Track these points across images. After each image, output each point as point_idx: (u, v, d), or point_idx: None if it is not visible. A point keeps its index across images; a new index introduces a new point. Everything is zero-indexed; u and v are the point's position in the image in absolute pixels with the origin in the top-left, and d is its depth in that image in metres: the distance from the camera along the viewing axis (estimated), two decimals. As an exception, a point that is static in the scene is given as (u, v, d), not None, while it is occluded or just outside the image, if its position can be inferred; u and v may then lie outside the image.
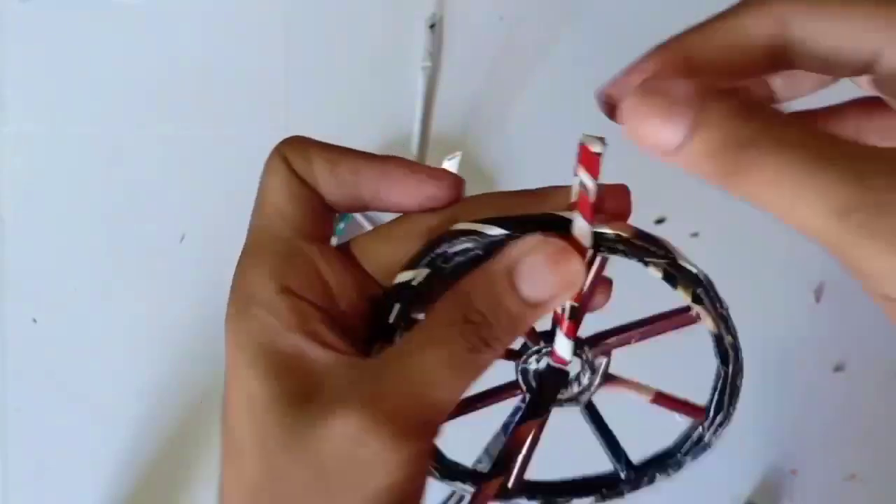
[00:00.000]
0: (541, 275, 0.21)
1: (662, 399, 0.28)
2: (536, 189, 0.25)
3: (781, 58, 0.21)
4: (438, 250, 0.23)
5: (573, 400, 0.26)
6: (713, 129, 0.19)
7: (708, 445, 0.28)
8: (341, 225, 0.53)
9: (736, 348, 0.26)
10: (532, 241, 0.22)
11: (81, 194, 0.53)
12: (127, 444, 0.54)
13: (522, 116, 0.54)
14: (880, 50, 0.20)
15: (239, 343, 0.22)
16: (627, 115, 0.19)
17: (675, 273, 0.24)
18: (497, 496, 0.25)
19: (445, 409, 0.21)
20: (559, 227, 0.22)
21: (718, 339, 0.26)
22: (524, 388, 0.25)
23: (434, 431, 0.21)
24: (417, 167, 0.24)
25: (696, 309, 0.25)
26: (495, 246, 0.22)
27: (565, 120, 0.54)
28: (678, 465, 0.28)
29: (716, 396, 0.28)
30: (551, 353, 0.24)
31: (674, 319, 0.26)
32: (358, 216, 0.53)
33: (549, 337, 0.24)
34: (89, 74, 0.53)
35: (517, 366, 0.25)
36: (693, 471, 0.58)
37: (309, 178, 0.24)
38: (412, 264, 0.23)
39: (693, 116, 0.19)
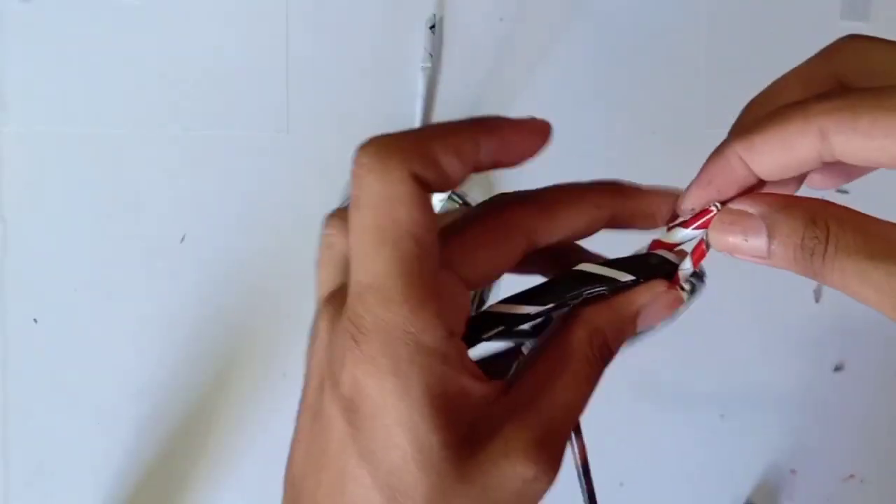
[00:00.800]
0: (657, 316, 0.26)
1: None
2: (626, 185, 0.27)
3: (829, 157, 0.23)
4: (574, 293, 0.25)
5: None
6: (786, 241, 0.24)
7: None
8: (341, 225, 0.53)
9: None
10: (657, 290, 0.26)
11: (82, 194, 0.53)
12: (127, 444, 0.54)
13: (522, 116, 0.54)
14: None
15: (409, 394, 0.21)
16: (717, 240, 0.25)
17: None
18: None
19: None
20: (668, 270, 0.26)
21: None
22: None
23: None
24: (515, 122, 0.26)
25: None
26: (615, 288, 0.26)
27: (565, 120, 0.54)
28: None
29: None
30: None
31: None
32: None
33: None
34: (90, 74, 0.53)
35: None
36: (693, 471, 0.59)
37: (441, 184, 0.23)
38: (538, 300, 0.25)
39: (767, 233, 0.24)
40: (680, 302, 0.27)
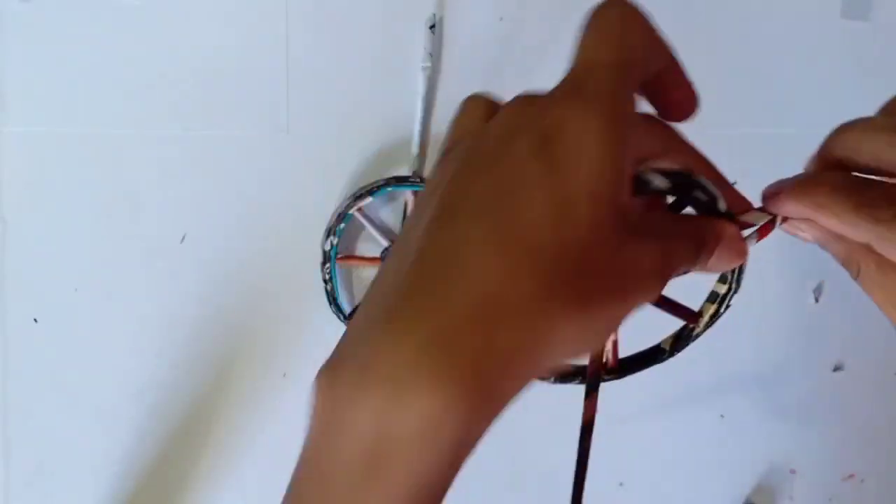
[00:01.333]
0: (727, 254, 0.32)
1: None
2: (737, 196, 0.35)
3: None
4: (694, 180, 0.32)
5: None
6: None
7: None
8: (342, 225, 0.53)
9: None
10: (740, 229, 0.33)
11: (82, 194, 0.53)
12: (127, 444, 0.54)
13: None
14: None
15: (609, 145, 0.25)
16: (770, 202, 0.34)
17: None
18: None
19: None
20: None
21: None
22: None
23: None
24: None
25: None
26: (710, 208, 0.32)
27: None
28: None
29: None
30: None
31: None
32: (358, 215, 0.53)
33: None
34: (90, 74, 0.53)
35: None
36: (692, 471, 0.59)
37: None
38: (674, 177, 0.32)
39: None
40: (743, 255, 0.33)
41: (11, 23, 0.53)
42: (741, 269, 0.43)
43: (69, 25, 0.53)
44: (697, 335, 0.44)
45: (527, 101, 0.29)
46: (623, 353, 0.41)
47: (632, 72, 0.29)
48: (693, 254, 0.31)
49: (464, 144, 0.28)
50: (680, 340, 0.44)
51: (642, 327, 0.35)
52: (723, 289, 0.43)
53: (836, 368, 0.55)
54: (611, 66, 0.28)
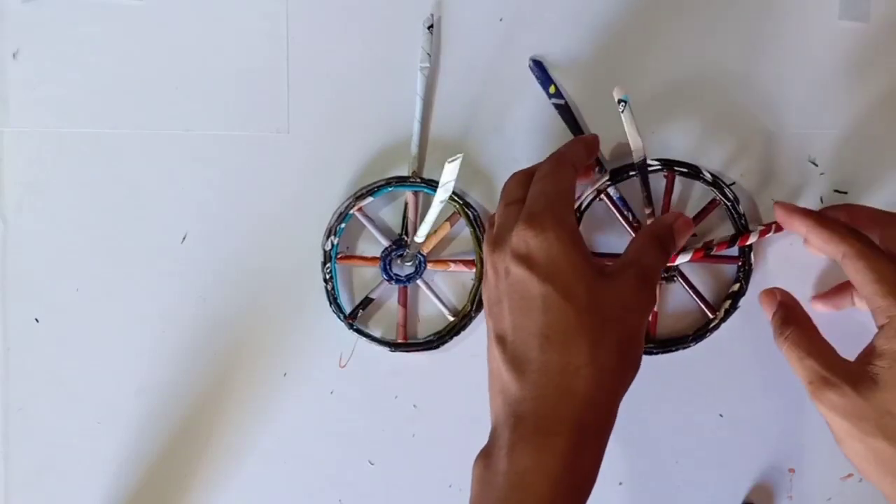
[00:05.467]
0: (681, 231, 0.47)
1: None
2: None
3: (837, 260, 0.46)
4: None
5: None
6: (777, 319, 0.48)
7: None
8: (342, 225, 0.53)
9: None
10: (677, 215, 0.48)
11: (83, 194, 0.53)
12: (128, 444, 0.54)
13: (522, 116, 0.54)
14: (874, 311, 0.44)
15: (568, 245, 0.42)
16: (761, 296, 0.51)
17: None
18: None
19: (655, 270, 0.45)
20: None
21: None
22: None
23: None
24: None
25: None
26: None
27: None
28: None
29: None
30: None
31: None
32: (358, 215, 0.53)
33: None
34: (90, 74, 0.53)
35: None
36: (692, 470, 0.59)
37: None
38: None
39: (774, 310, 0.49)
40: (686, 225, 0.47)
41: (12, 23, 0.53)
42: (749, 272, 0.53)
43: (69, 25, 0.53)
44: (715, 327, 0.53)
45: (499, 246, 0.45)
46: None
47: (568, 195, 0.45)
48: (662, 256, 0.45)
49: (497, 299, 0.44)
50: (700, 330, 0.54)
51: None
52: (735, 287, 0.53)
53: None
54: (550, 199, 0.44)
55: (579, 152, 0.48)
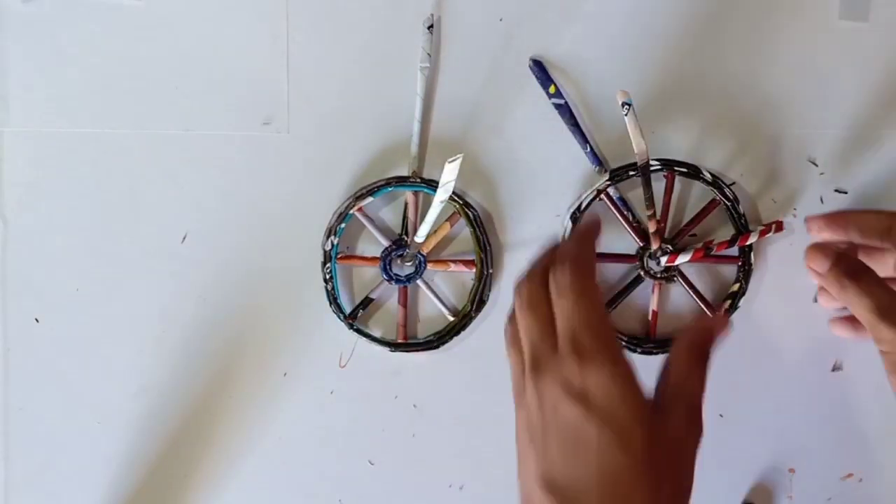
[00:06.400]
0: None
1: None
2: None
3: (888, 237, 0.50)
4: None
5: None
6: (839, 268, 0.49)
7: None
8: (342, 225, 0.53)
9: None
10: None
11: (83, 194, 0.53)
12: (128, 444, 0.54)
13: (522, 116, 0.54)
14: None
15: (623, 385, 0.39)
16: (810, 258, 0.52)
17: None
18: None
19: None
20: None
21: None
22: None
23: None
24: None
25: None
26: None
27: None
28: None
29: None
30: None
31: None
32: (358, 215, 0.53)
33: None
34: (90, 74, 0.53)
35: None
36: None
37: None
38: None
39: (831, 262, 0.49)
40: (724, 325, 0.44)
41: (11, 23, 0.53)
42: (749, 272, 0.54)
43: (69, 25, 0.53)
44: None
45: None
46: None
47: (608, 319, 0.43)
48: (705, 373, 0.43)
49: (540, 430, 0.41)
50: None
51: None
52: (735, 287, 0.54)
53: (835, 368, 0.55)
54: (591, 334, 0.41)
55: (588, 249, 0.44)
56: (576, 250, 0.43)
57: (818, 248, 0.51)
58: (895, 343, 0.46)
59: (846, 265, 0.48)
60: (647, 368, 0.41)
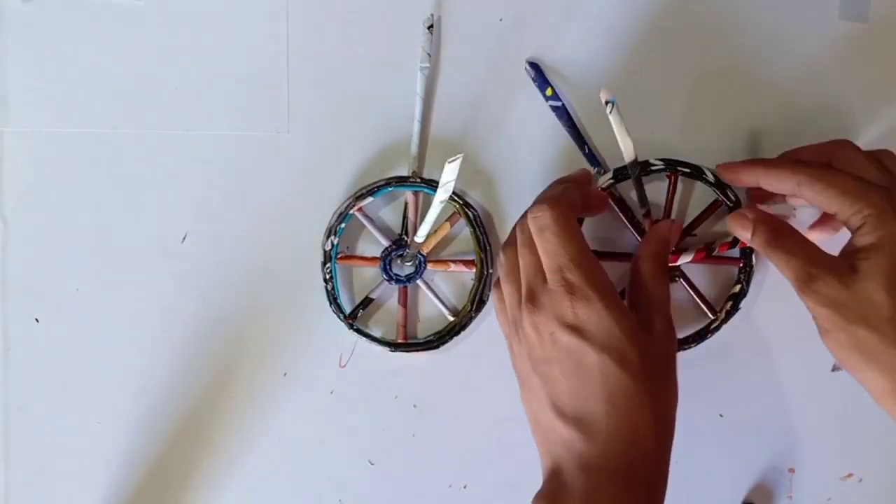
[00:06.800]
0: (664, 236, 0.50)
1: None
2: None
3: (797, 194, 0.47)
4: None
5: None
6: (759, 236, 0.47)
7: None
8: (342, 225, 0.53)
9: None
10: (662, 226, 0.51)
11: (83, 194, 0.53)
12: (128, 444, 0.54)
13: (522, 116, 0.54)
14: (847, 220, 0.45)
15: (612, 310, 0.44)
16: (730, 223, 0.49)
17: None
18: None
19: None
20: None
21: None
22: None
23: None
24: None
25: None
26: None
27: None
28: None
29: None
30: None
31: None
32: (358, 215, 0.53)
33: None
34: (90, 74, 0.53)
35: None
36: (691, 470, 0.59)
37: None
38: None
39: (752, 229, 0.47)
40: (678, 231, 0.52)
41: (12, 23, 0.53)
42: (750, 273, 0.54)
43: (70, 25, 0.53)
44: (716, 328, 0.54)
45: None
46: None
47: (589, 252, 0.45)
48: (667, 279, 0.48)
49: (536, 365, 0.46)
50: (701, 331, 0.54)
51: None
52: (736, 288, 0.54)
53: (835, 368, 0.55)
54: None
55: (569, 192, 0.47)
56: (557, 193, 0.46)
57: (738, 215, 0.48)
58: (824, 306, 0.44)
59: (765, 233, 0.46)
60: (648, 368, 0.41)
